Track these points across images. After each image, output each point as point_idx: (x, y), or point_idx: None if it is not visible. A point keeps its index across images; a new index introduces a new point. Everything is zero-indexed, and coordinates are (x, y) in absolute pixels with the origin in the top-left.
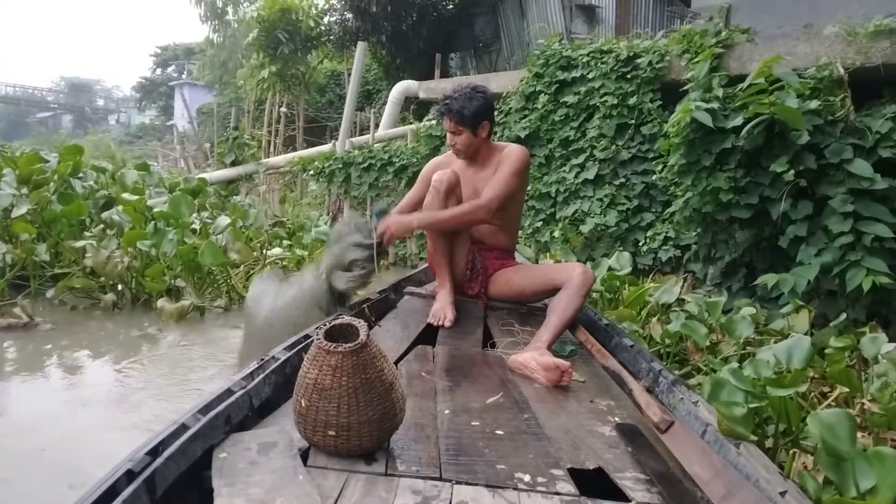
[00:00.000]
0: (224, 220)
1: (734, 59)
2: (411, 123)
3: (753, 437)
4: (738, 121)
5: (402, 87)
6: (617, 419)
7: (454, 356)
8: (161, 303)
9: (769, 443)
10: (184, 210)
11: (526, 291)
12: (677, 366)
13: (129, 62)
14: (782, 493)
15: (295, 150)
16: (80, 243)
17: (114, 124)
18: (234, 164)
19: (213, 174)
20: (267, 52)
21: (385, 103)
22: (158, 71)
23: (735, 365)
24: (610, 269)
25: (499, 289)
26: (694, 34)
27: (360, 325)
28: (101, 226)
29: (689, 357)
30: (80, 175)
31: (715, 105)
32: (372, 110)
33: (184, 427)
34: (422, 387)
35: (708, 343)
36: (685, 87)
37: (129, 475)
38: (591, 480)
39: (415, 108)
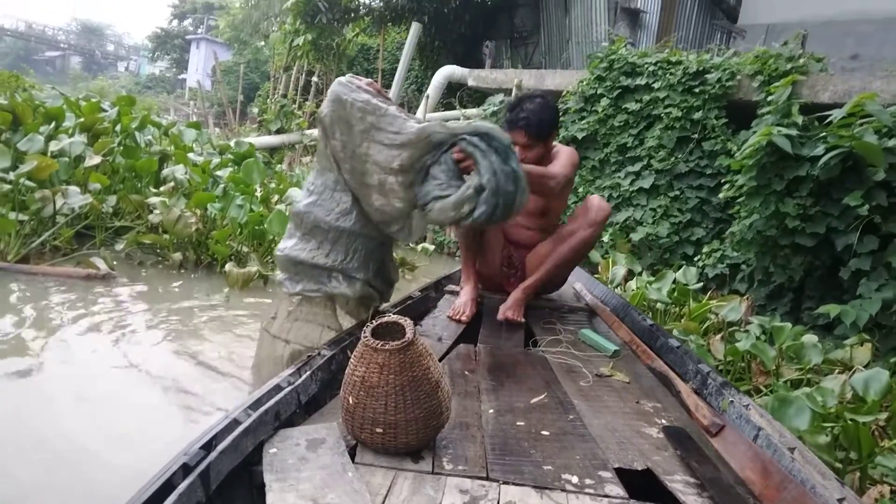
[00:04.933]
0: (296, 192)
1: (807, 86)
2: (454, 109)
3: (837, 465)
4: (819, 150)
5: (447, 71)
6: (664, 421)
7: (496, 355)
8: (229, 267)
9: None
10: (255, 177)
11: (560, 252)
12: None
13: (143, 10)
14: (840, 500)
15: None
16: (151, 199)
17: (123, 71)
18: (279, 131)
19: (258, 140)
20: (304, 18)
21: (413, 83)
22: (175, 22)
23: (806, 389)
24: (675, 281)
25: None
26: (769, 56)
27: (407, 322)
28: (172, 184)
29: (751, 377)
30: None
31: (794, 132)
32: (406, 89)
33: (235, 422)
34: (465, 386)
35: (773, 367)
36: (764, 111)
37: (185, 469)
38: (640, 484)
39: (464, 95)
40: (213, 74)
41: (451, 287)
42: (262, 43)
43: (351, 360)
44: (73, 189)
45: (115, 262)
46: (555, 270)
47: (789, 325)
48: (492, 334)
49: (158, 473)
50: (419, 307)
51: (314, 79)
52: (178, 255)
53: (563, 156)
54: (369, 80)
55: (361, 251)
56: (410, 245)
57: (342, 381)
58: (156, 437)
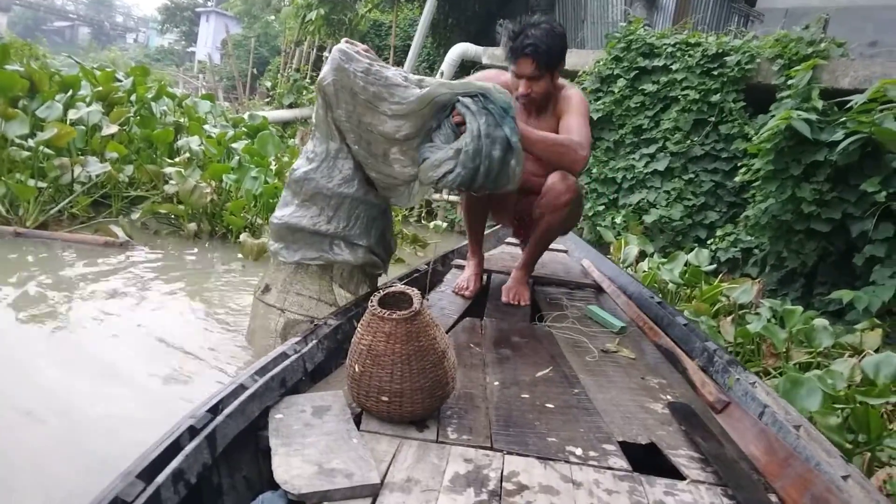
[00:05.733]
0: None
1: (827, 71)
2: None
3: (847, 446)
4: (839, 135)
5: (461, 49)
6: (669, 397)
7: (502, 329)
8: (243, 238)
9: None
10: (270, 149)
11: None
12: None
13: None
14: (844, 478)
15: None
16: (167, 170)
17: (132, 43)
18: (291, 106)
19: (271, 114)
20: None
21: (425, 61)
22: None
23: (817, 372)
24: (688, 263)
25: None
26: (790, 40)
27: (414, 293)
28: (187, 154)
29: (761, 359)
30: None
31: (813, 116)
32: (418, 67)
33: (242, 387)
34: (470, 358)
35: (784, 350)
36: (783, 95)
37: (192, 431)
38: (643, 458)
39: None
40: (222, 48)
41: (458, 261)
42: (273, 17)
43: (357, 328)
44: (92, 158)
45: (131, 231)
46: (541, 247)
47: (800, 308)
48: (498, 309)
49: (166, 434)
50: (425, 280)
51: (325, 54)
52: (192, 226)
53: (575, 110)
54: (365, 45)
55: (364, 218)
56: (423, 222)
57: (348, 350)
58: (166, 398)
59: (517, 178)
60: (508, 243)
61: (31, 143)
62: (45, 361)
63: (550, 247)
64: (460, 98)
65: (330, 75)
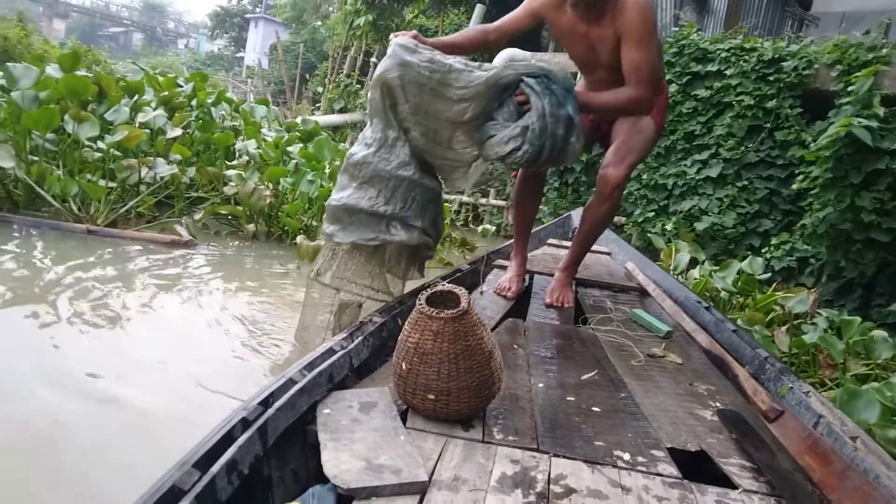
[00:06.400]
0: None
1: (889, 77)
2: None
3: None
4: None
5: (508, 53)
6: (718, 404)
7: (546, 331)
8: (300, 240)
9: None
10: (326, 153)
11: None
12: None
13: None
14: None
15: None
16: (229, 172)
17: (183, 48)
18: (342, 111)
19: (322, 118)
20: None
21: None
22: (234, 1)
23: (875, 384)
24: (741, 271)
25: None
26: (849, 45)
27: (462, 292)
28: (246, 157)
29: (817, 370)
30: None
31: (874, 123)
32: None
33: (291, 382)
34: (514, 360)
35: (841, 361)
36: (843, 102)
37: (244, 423)
38: (693, 465)
39: None
40: (270, 53)
41: (501, 262)
42: (320, 23)
43: (405, 326)
44: (160, 160)
45: (194, 231)
46: (584, 248)
47: (858, 319)
48: (541, 310)
49: (219, 425)
50: (467, 280)
51: (373, 59)
52: (251, 227)
53: (636, 25)
54: (415, 32)
55: (419, 200)
56: (470, 226)
57: (394, 348)
58: (221, 391)
59: (577, 154)
60: (550, 244)
61: (101, 144)
62: (110, 350)
63: (593, 249)
64: (524, 78)
65: (395, 70)
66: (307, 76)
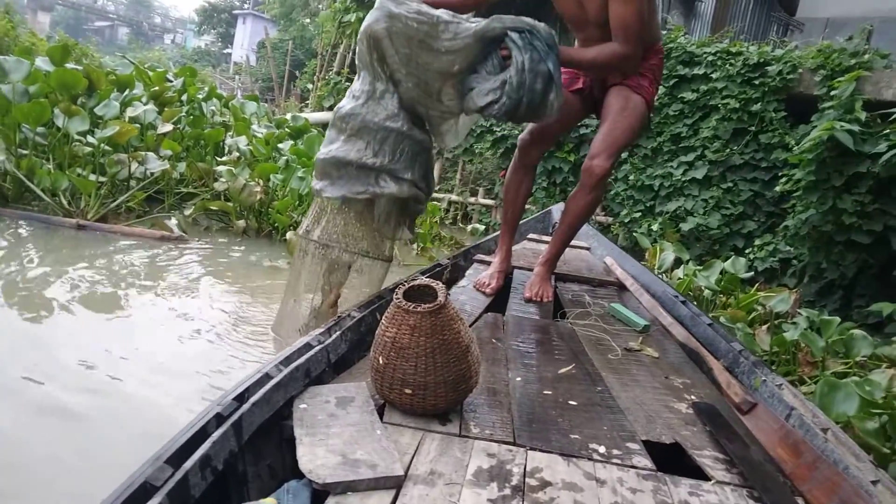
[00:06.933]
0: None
1: (871, 83)
2: None
3: (884, 451)
4: (882, 147)
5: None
6: (693, 397)
7: (524, 325)
8: (290, 235)
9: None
10: (316, 150)
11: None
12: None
13: None
14: (874, 482)
15: None
16: (219, 168)
17: (169, 44)
18: (331, 108)
19: (312, 115)
20: None
21: None
22: None
23: (855, 379)
24: (724, 271)
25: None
26: (833, 51)
27: (438, 286)
28: (237, 154)
29: (797, 368)
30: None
31: (856, 128)
32: None
33: (267, 377)
34: (493, 354)
35: (821, 358)
36: (826, 106)
37: (219, 418)
38: (667, 458)
39: None
40: (258, 50)
41: (481, 256)
42: (308, 21)
43: (382, 320)
44: (151, 155)
45: (184, 226)
46: (565, 242)
47: (837, 319)
48: (520, 305)
49: (193, 421)
50: (447, 275)
51: None
52: (241, 223)
53: None
54: None
55: (408, 152)
56: (460, 225)
57: (371, 342)
58: (203, 385)
59: (556, 110)
60: (531, 239)
61: (91, 139)
62: (111, 346)
63: (573, 244)
64: (509, 33)
65: (382, 21)
66: (296, 73)
